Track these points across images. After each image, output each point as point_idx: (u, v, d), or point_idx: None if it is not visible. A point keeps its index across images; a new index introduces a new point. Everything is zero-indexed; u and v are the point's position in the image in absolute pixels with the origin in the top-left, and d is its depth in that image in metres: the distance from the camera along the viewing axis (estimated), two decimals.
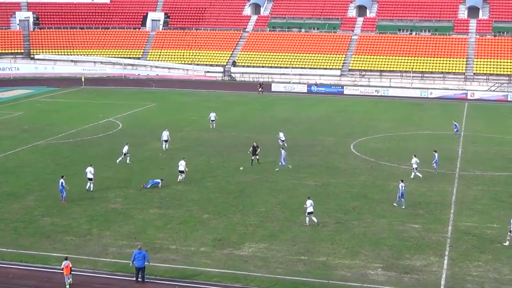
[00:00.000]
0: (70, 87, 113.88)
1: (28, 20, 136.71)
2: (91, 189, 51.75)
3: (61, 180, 48.83)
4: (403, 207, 48.32)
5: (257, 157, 60.41)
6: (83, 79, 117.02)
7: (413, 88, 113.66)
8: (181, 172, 54.69)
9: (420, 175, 56.39)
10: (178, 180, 54.40)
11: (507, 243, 41.29)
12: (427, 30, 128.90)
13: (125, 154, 59.95)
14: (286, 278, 36.15)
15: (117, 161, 59.73)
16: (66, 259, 35.15)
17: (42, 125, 79.26)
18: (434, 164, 58.50)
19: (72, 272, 34.79)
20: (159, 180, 53.17)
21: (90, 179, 51.88)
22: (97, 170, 55.66)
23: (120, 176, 56.39)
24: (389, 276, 36.52)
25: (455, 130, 74.74)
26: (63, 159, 62.21)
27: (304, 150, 67.00)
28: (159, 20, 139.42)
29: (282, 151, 59.77)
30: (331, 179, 55.94)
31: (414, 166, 56.43)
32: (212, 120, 78.82)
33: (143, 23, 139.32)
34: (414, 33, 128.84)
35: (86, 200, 49.58)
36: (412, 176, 56.30)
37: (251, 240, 41.70)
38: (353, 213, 47.18)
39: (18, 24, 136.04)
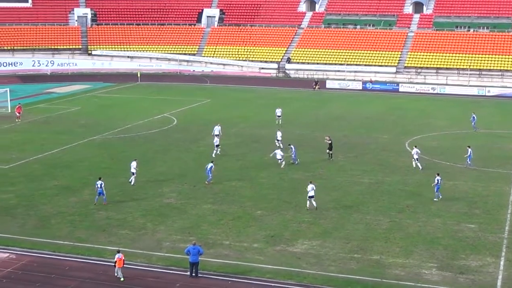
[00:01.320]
0: (126, 82, 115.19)
1: (86, 16, 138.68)
2: (132, 183, 52.50)
3: (100, 182, 47.80)
4: (440, 197, 49.05)
5: (331, 152, 61.09)
6: (139, 75, 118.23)
7: (470, 86, 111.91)
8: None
9: (420, 166, 57.30)
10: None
11: None
12: (485, 27, 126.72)
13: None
14: (339, 276, 36.00)
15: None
16: (118, 251, 35.62)
17: (98, 120, 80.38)
18: (468, 160, 58.63)
19: (125, 266, 35.23)
20: (211, 164, 53.42)
21: (132, 173, 52.84)
22: (152, 165, 56.46)
23: (175, 171, 56.84)
24: (444, 276, 36.07)
25: (472, 123, 75.81)
26: (119, 154, 62.98)
27: (358, 147, 66.58)
28: (215, 17, 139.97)
29: (292, 146, 59.99)
30: (385, 177, 55.49)
31: (415, 156, 57.88)
32: (278, 116, 79.21)
33: (199, 20, 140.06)
34: (472, 30, 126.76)
35: (141, 195, 50.13)
36: (414, 166, 57.46)
37: (304, 237, 41.64)
38: (407, 211, 46.73)
39: (76, 21, 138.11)
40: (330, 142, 61.47)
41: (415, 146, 59.41)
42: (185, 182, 53.39)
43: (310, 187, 46.95)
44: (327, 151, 61.22)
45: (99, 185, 47.60)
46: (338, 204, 48.25)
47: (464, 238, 41.72)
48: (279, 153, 58.51)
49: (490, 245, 40.68)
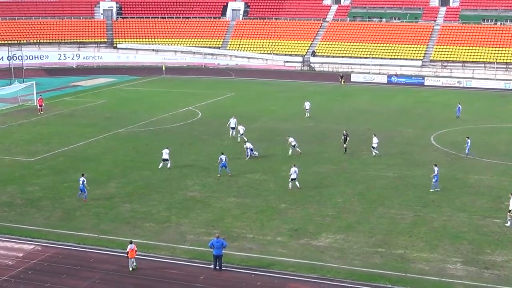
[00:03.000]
0: (151, 76, 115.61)
1: (112, 9, 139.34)
2: (165, 167, 54.84)
3: (82, 179, 47.33)
4: (438, 189, 49.30)
5: (345, 145, 61.07)
6: (163, 68, 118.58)
7: (497, 79, 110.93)
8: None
9: (377, 152, 59.75)
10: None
11: (508, 224, 42.40)
12: None
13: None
14: (363, 270, 35.91)
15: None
16: (131, 242, 35.82)
17: (123, 113, 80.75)
18: (466, 150, 59.56)
19: (149, 258, 35.42)
20: (224, 155, 54.01)
21: (164, 160, 55.08)
22: (176, 158, 56.68)
23: (199, 164, 56.96)
24: (468, 271, 35.84)
25: (457, 113, 77.84)
26: (143, 147, 63.26)
27: (383, 141, 66.17)
28: (239, 10, 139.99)
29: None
30: (410, 171, 55.21)
31: (374, 145, 59.74)
32: (306, 109, 79.45)
33: (223, 13, 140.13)
34: (498, 23, 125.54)
35: (165, 187, 50.33)
36: (373, 154, 59.51)
37: (327, 231, 41.57)
38: (432, 206, 46.47)
39: (101, 14, 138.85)
40: (346, 135, 61.49)
41: (375, 135, 60.88)
42: (209, 176, 53.50)
43: (293, 170, 49.24)
44: (343, 144, 61.24)
45: (81, 182, 47.13)
46: (362, 198, 48.11)
47: (490, 233, 41.41)
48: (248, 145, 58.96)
49: None
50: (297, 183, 49.47)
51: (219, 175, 53.22)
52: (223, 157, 53.68)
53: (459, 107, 78.71)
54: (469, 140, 59.98)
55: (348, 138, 61.16)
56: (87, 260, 37.16)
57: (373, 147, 60.04)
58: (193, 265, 36.58)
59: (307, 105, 79.56)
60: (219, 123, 73.86)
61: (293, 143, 59.85)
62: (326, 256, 37.68)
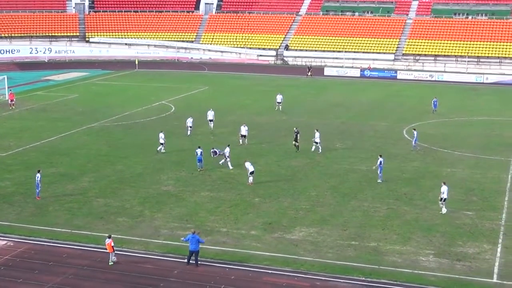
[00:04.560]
0: (124, 70, 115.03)
1: (84, 3, 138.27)
2: (162, 151, 58.33)
3: (38, 175, 46.06)
4: (379, 181, 50.19)
5: (297, 143, 59.62)
6: (137, 62, 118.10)
7: (468, 73, 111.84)
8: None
9: (315, 147, 58.96)
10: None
11: (443, 211, 43.58)
12: (483, 14, 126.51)
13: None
14: (337, 263, 36.07)
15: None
16: (109, 237, 35.68)
17: (96, 107, 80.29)
18: (413, 142, 60.38)
19: (124, 253, 35.29)
20: (200, 149, 53.84)
21: (161, 144, 58.37)
22: (149, 153, 56.45)
23: (172, 158, 56.84)
24: (441, 263, 36.15)
25: (433, 107, 78.26)
26: (116, 142, 62.97)
27: (356, 135, 66.60)
28: (212, 4, 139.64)
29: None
30: (383, 164, 55.41)
31: (317, 140, 58.98)
32: (278, 102, 79.40)
33: (197, 7, 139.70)
34: (470, 17, 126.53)
35: (138, 182, 50.16)
36: (312, 149, 59.01)
37: (301, 224, 41.69)
38: (404, 198, 46.78)
39: (73, 8, 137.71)
40: (296, 132, 59.88)
41: (317, 130, 59.70)
42: (182, 170, 53.41)
43: (248, 164, 49.55)
44: (295, 143, 59.65)
45: (37, 178, 46.08)
46: (335, 191, 48.30)
47: (462, 225, 41.78)
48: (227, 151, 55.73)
49: (487, 232, 40.75)
50: (251, 178, 49.58)
51: (199, 169, 53.14)
52: (198, 151, 53.55)
53: (435, 101, 79.06)
54: (415, 132, 60.75)
55: (299, 136, 59.79)
56: (60, 255, 36.92)
57: (316, 142, 59.25)
58: (167, 260, 36.49)
59: (279, 98, 79.65)
60: (193, 117, 73.63)
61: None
62: (300, 250, 37.80)
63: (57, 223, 41.54)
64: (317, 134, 59.30)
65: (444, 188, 43.78)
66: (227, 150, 54.06)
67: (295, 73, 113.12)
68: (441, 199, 43.87)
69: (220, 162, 54.11)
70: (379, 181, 50.47)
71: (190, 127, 65.94)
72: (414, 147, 60.31)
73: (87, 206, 44.88)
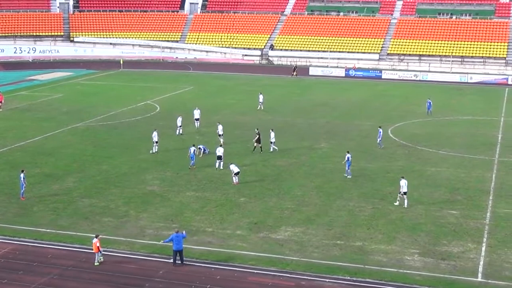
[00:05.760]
0: (108, 69, 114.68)
1: (68, 3, 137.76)
2: (155, 151, 58.14)
3: (22, 175, 45.95)
4: (349, 177, 51.10)
5: (260, 144, 59.19)
6: (121, 62, 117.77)
7: (452, 72, 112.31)
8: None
9: (276, 148, 59.21)
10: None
11: (397, 203, 45.02)
12: (467, 14, 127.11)
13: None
14: (322, 262, 36.12)
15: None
16: (96, 236, 35.59)
17: (81, 107, 80.00)
18: (378, 139, 61.10)
19: (108, 253, 35.17)
20: (193, 148, 54.33)
21: (155, 142, 58.27)
22: (135, 153, 56.32)
23: (157, 158, 56.74)
24: (425, 262, 36.28)
25: (427, 109, 77.82)
26: (101, 141, 62.78)
27: (341, 134, 66.71)
28: (197, 3, 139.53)
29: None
30: (368, 164, 55.65)
31: (272, 140, 59.32)
32: (260, 102, 79.70)
33: (182, 6, 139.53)
34: (454, 17, 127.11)
35: (123, 182, 50.02)
36: (271, 150, 59.00)
37: (287, 224, 41.72)
38: (389, 198, 46.90)
39: (58, 7, 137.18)
40: (258, 135, 59.33)
41: (272, 130, 60.00)
42: (168, 170, 53.33)
43: (233, 166, 49.75)
44: (255, 144, 59.19)
45: (21, 178, 45.85)
46: (321, 191, 48.37)
47: (446, 225, 41.95)
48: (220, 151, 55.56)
49: (471, 231, 40.94)
50: (237, 177, 49.80)
51: (190, 166, 53.31)
52: (192, 148, 53.64)
53: (429, 102, 78.55)
54: (381, 130, 61.36)
55: (260, 137, 59.21)
56: (45, 256, 36.77)
57: (271, 142, 59.34)
58: (153, 260, 36.42)
59: (260, 98, 79.83)
60: (177, 117, 73.56)
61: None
62: (285, 249, 37.82)
63: (42, 224, 41.35)
64: (272, 134, 59.53)
65: (403, 182, 45.01)
66: (221, 150, 54.20)
67: (280, 73, 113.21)
68: (401, 192, 44.95)
69: (216, 167, 53.84)
70: (346, 175, 51.42)
71: (180, 126, 65.84)
72: (378, 145, 61.02)
73: (72, 206, 44.71)
